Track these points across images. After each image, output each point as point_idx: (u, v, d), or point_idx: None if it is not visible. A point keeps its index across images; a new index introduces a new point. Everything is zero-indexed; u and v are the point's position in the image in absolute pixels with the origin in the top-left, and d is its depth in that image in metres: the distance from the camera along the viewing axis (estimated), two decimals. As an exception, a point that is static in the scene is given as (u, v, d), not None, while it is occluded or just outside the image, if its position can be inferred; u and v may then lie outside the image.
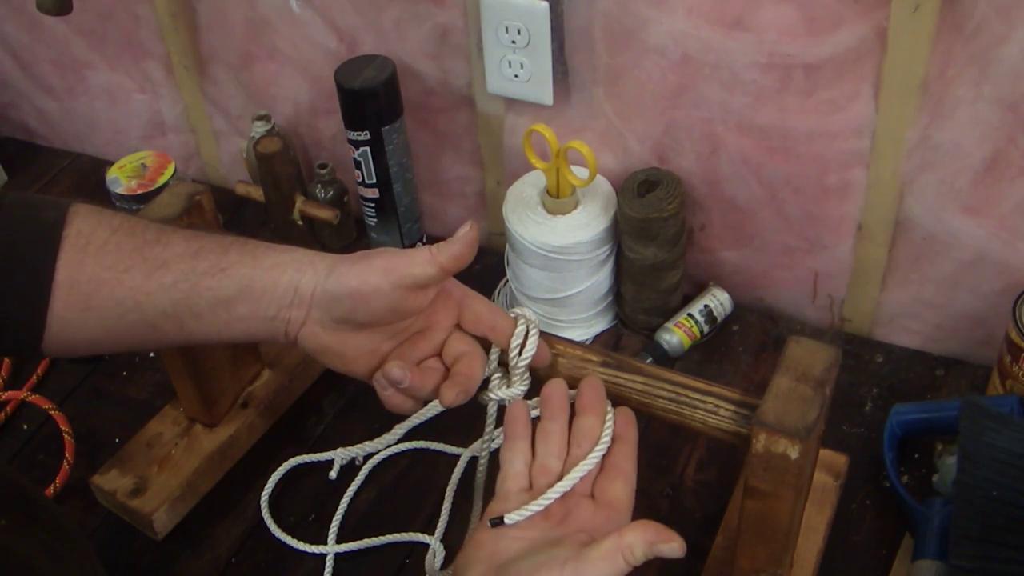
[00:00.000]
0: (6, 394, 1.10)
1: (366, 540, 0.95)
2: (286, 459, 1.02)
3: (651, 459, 0.99)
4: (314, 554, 0.95)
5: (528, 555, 0.66)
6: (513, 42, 1.02)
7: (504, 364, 0.75)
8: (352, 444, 1.02)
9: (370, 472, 1.01)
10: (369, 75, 1.09)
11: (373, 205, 1.18)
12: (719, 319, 1.10)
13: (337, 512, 0.97)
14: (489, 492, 0.75)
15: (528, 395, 0.77)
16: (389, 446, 1.02)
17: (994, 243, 0.96)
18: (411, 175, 1.18)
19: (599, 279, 1.08)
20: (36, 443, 1.07)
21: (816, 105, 0.94)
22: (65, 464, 1.03)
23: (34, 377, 1.13)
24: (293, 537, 0.95)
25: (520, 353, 0.73)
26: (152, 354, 1.14)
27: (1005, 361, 0.93)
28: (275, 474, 1.01)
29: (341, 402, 1.08)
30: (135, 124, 1.40)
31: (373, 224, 1.20)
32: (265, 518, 0.97)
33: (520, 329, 0.74)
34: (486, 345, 0.76)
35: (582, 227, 1.05)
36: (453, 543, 0.94)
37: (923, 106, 0.90)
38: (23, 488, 0.71)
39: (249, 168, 1.28)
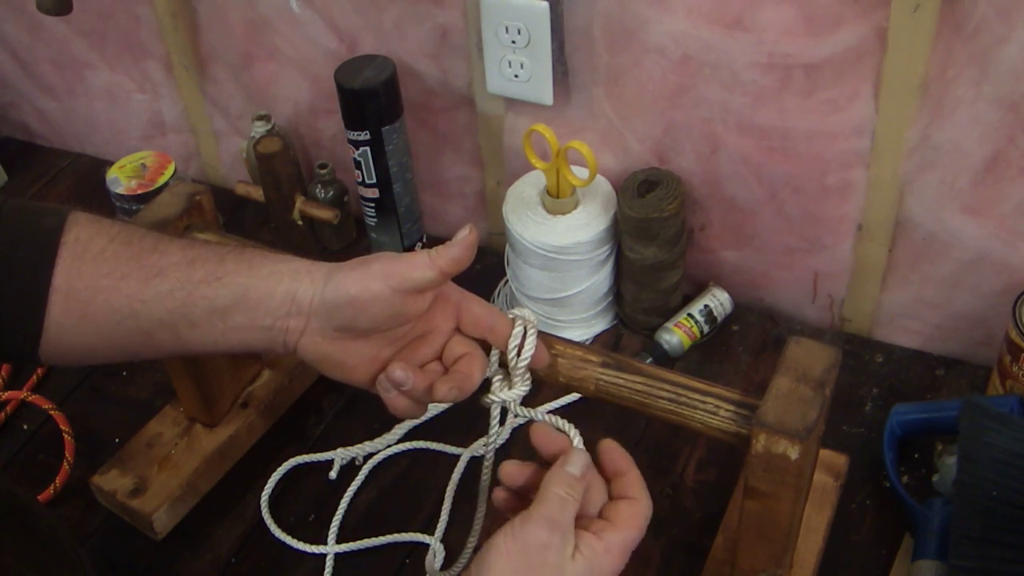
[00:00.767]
0: (6, 394, 1.10)
1: (366, 540, 0.95)
2: (286, 459, 1.02)
3: (651, 459, 0.99)
4: (314, 554, 0.95)
5: None
6: (513, 42, 1.02)
7: (505, 366, 0.75)
8: (352, 444, 1.02)
9: (370, 472, 1.01)
10: (369, 75, 1.09)
11: (373, 205, 1.18)
12: (719, 319, 1.10)
13: (337, 512, 0.97)
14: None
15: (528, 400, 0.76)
16: (389, 446, 1.03)
17: (994, 243, 0.96)
18: (411, 175, 1.18)
19: (599, 279, 1.08)
20: (36, 443, 1.07)
21: (816, 105, 0.94)
22: (65, 464, 1.03)
23: (34, 377, 1.13)
24: (293, 537, 0.95)
25: (519, 354, 0.73)
26: (152, 354, 1.14)
27: (1005, 361, 0.93)
28: (275, 474, 1.01)
29: (341, 402, 1.08)
30: (135, 124, 1.40)
31: (373, 224, 1.20)
32: (265, 518, 0.97)
33: (517, 330, 0.74)
34: (486, 348, 0.76)
35: (582, 227, 1.05)
36: (453, 543, 0.94)
37: (923, 106, 0.90)
38: (19, 500, 0.71)
39: (249, 168, 1.28)
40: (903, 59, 0.88)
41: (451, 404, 1.04)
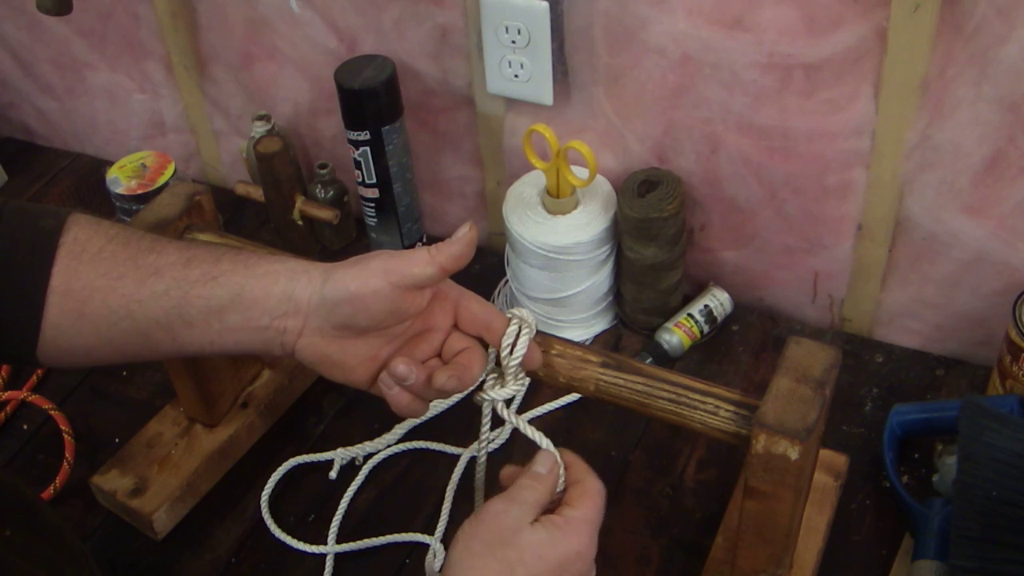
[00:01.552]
0: (6, 394, 1.11)
1: (366, 540, 0.95)
2: (286, 459, 1.02)
3: (651, 459, 0.99)
4: (314, 554, 0.95)
5: None
6: (513, 42, 1.02)
7: (500, 364, 0.75)
8: (352, 444, 1.02)
9: (370, 472, 1.01)
10: (369, 75, 1.09)
11: (373, 205, 1.18)
12: (719, 319, 1.10)
13: (337, 512, 0.97)
14: (489, 492, 0.75)
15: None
16: (389, 446, 1.03)
17: (994, 243, 0.96)
18: (411, 175, 1.18)
19: (599, 279, 1.08)
20: (36, 443, 1.07)
21: (816, 105, 0.94)
22: (65, 464, 1.03)
23: (34, 377, 1.13)
24: (293, 537, 0.95)
25: (511, 352, 0.73)
26: (152, 354, 1.14)
27: (1005, 361, 0.93)
28: (275, 474, 1.01)
29: (341, 402, 1.08)
30: (135, 124, 1.40)
31: (373, 224, 1.20)
32: (265, 518, 0.97)
33: (512, 329, 0.74)
34: (485, 346, 0.76)
35: (582, 227, 1.05)
36: (453, 543, 0.94)
37: (923, 106, 0.90)
38: (26, 497, 0.71)
39: (249, 168, 1.28)
40: (903, 59, 0.88)
41: (452, 404, 1.04)
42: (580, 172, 1.04)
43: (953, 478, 0.84)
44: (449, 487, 0.98)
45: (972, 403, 0.83)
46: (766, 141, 0.99)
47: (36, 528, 0.69)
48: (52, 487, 1.01)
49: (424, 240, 1.25)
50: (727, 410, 0.70)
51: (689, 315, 1.09)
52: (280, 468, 1.01)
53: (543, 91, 1.05)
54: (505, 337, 0.73)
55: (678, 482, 0.97)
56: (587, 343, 1.11)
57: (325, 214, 1.19)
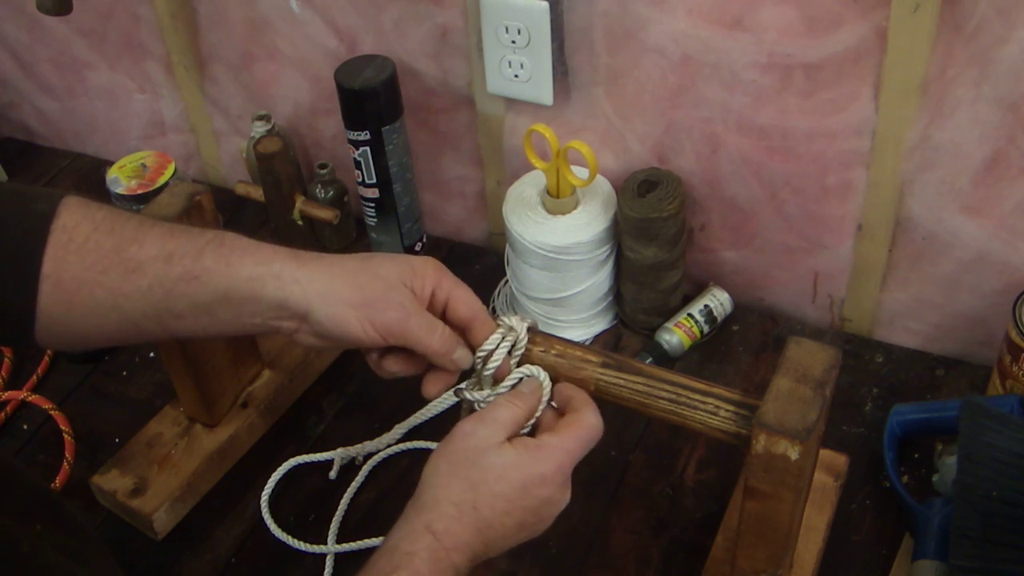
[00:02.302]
0: (6, 394, 1.10)
1: (366, 540, 0.95)
2: (286, 459, 1.02)
3: (651, 459, 0.99)
4: (314, 554, 0.95)
5: None
6: (513, 42, 1.02)
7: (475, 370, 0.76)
8: (352, 444, 1.02)
9: (370, 472, 1.01)
10: (369, 75, 1.09)
11: (373, 205, 1.18)
12: (719, 319, 1.10)
13: (337, 512, 0.97)
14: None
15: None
16: (389, 446, 1.03)
17: (994, 243, 0.96)
18: (411, 175, 1.18)
19: (599, 279, 1.08)
20: (36, 443, 1.07)
21: (816, 105, 0.94)
22: (65, 464, 1.03)
23: (34, 377, 1.13)
24: (293, 537, 0.95)
25: (484, 364, 0.75)
26: (152, 354, 1.14)
27: (1005, 361, 0.93)
28: (275, 474, 1.01)
29: (341, 402, 1.08)
30: (135, 124, 1.40)
31: (373, 224, 1.20)
32: (265, 518, 0.97)
33: (494, 337, 0.75)
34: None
35: (582, 227, 1.05)
36: (453, 543, 0.94)
37: (923, 106, 0.90)
38: (50, 494, 0.72)
39: (249, 168, 1.28)
40: (903, 59, 0.88)
41: (452, 403, 1.04)
42: (580, 172, 1.04)
43: (953, 478, 0.84)
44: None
45: (972, 403, 0.83)
46: (766, 141, 0.99)
47: (63, 522, 0.70)
48: (52, 487, 1.01)
49: (424, 240, 1.25)
50: (727, 410, 0.70)
51: (689, 315, 1.09)
52: (280, 468, 1.01)
53: (543, 91, 1.05)
54: (487, 343, 0.74)
55: (678, 482, 0.97)
56: (587, 343, 1.11)
57: (325, 214, 1.19)
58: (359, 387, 1.10)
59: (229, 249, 0.72)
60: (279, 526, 0.97)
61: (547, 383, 0.74)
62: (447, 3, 1.05)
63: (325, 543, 0.95)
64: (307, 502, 0.99)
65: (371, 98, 1.09)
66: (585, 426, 0.71)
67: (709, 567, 0.87)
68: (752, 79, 0.95)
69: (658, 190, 1.03)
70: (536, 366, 0.74)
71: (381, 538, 0.93)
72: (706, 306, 1.09)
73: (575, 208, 1.06)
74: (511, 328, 0.75)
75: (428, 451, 1.02)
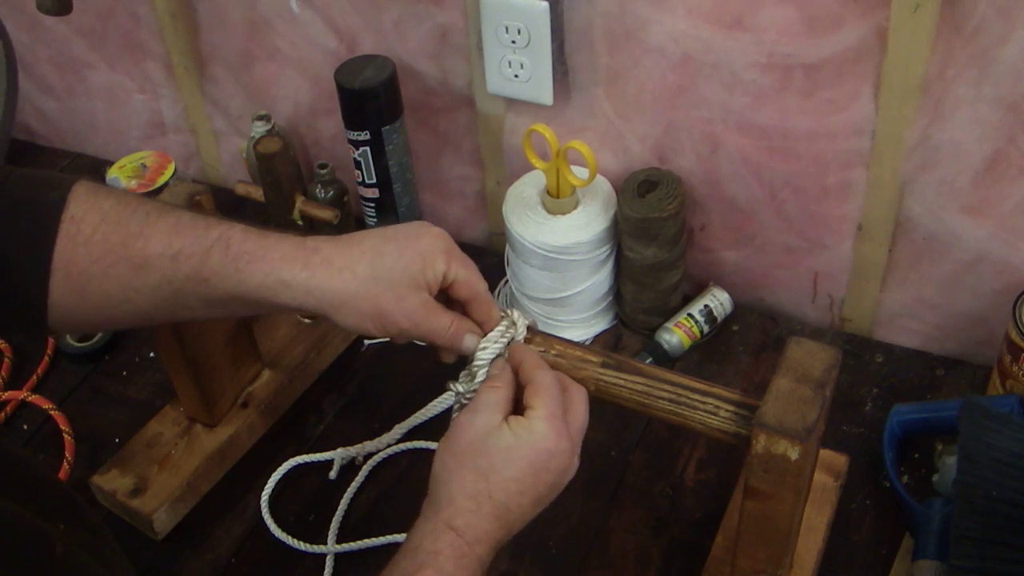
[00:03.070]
0: (6, 394, 1.10)
1: (366, 540, 0.94)
2: (286, 459, 1.02)
3: (651, 459, 0.99)
4: (314, 554, 0.95)
5: None
6: (513, 42, 1.02)
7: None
8: (352, 444, 1.02)
9: (370, 472, 1.01)
10: (369, 75, 1.09)
11: (373, 205, 1.18)
12: (719, 319, 1.10)
13: (337, 512, 0.97)
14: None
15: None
16: (389, 446, 1.02)
17: (994, 243, 0.96)
18: (411, 175, 1.18)
19: (599, 279, 1.08)
20: (36, 443, 1.07)
21: (816, 105, 0.94)
22: (65, 464, 1.03)
23: (34, 377, 1.13)
24: (293, 537, 0.95)
25: (475, 358, 0.75)
26: (152, 354, 1.14)
27: (1005, 361, 0.93)
28: (275, 474, 1.01)
29: (341, 402, 1.08)
30: (135, 124, 1.40)
31: (373, 224, 1.20)
32: (265, 518, 0.97)
33: (494, 334, 0.75)
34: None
35: (582, 227, 1.05)
36: (453, 543, 0.94)
37: (923, 106, 0.90)
38: (70, 493, 0.72)
39: (249, 168, 1.28)
40: (903, 59, 0.88)
41: (451, 403, 1.04)
42: (580, 172, 1.04)
43: (953, 478, 0.84)
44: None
45: (972, 403, 0.83)
46: (766, 141, 0.99)
47: (83, 521, 0.70)
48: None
49: (424, 240, 1.24)
50: (727, 410, 0.70)
51: (689, 315, 1.09)
52: (280, 468, 1.01)
53: (543, 91, 1.05)
54: (484, 340, 0.75)
55: (678, 482, 0.97)
56: (587, 343, 1.11)
57: (325, 214, 1.19)
58: (359, 387, 1.10)
59: (236, 252, 0.71)
60: (279, 526, 0.97)
61: (522, 332, 0.76)
62: (447, 3, 1.05)
63: (325, 543, 0.95)
64: (307, 502, 0.99)
65: (371, 98, 1.09)
66: (546, 386, 0.71)
67: (709, 567, 0.87)
68: (752, 79, 0.95)
69: (658, 190, 1.03)
70: (499, 345, 0.75)
71: (381, 538, 0.94)
72: (706, 306, 1.09)
73: (575, 208, 1.06)
74: (513, 323, 0.76)
75: (428, 451, 1.02)
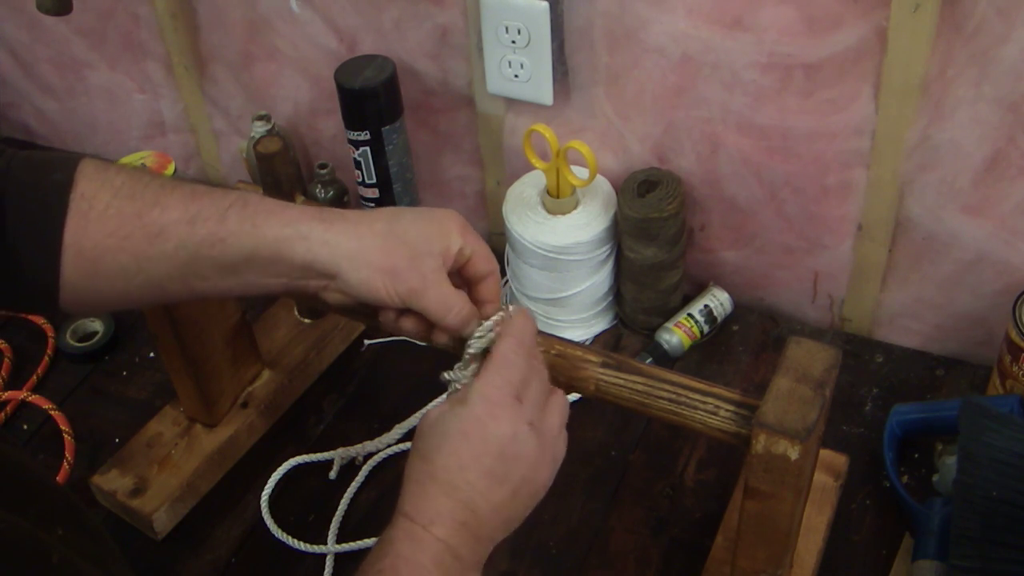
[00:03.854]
0: (6, 394, 1.11)
1: (366, 540, 0.95)
2: (286, 459, 1.02)
3: (651, 459, 0.99)
4: (314, 554, 0.95)
5: None
6: (513, 42, 1.02)
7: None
8: (352, 444, 1.02)
9: (370, 472, 1.01)
10: (369, 75, 1.09)
11: (373, 205, 1.18)
12: (719, 319, 1.10)
13: (337, 512, 0.97)
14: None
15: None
16: (389, 446, 1.03)
17: (994, 243, 0.96)
18: (411, 175, 1.18)
19: (599, 279, 1.08)
20: (36, 443, 1.07)
21: (816, 105, 0.94)
22: (65, 464, 1.03)
23: (34, 377, 1.13)
24: (293, 537, 0.95)
25: (467, 345, 0.74)
26: (152, 354, 1.14)
27: (1005, 361, 0.93)
28: (275, 474, 1.01)
29: (341, 402, 1.08)
30: (135, 124, 1.40)
31: (373, 224, 1.20)
32: (265, 518, 0.97)
33: (488, 324, 0.74)
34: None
35: (582, 227, 1.05)
36: (453, 543, 0.94)
37: (923, 106, 0.90)
38: (70, 498, 0.72)
39: (249, 168, 1.28)
40: (903, 59, 0.88)
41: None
42: (580, 172, 1.04)
43: (953, 478, 0.84)
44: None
45: (972, 403, 0.83)
46: (766, 141, 0.99)
47: (83, 526, 0.69)
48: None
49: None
50: (727, 410, 0.70)
51: (689, 315, 1.09)
52: (280, 468, 1.01)
53: (543, 91, 1.05)
54: (480, 329, 0.74)
55: (678, 482, 0.97)
56: (587, 343, 1.11)
57: (325, 214, 1.19)
58: (359, 387, 1.10)
59: (254, 210, 0.72)
60: (279, 526, 0.97)
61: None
62: (447, 3, 1.05)
63: (325, 543, 0.95)
64: (307, 502, 0.99)
65: (371, 98, 1.09)
66: (493, 363, 0.70)
67: (709, 567, 0.87)
68: (752, 79, 0.95)
69: (658, 190, 1.03)
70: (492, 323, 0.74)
71: (381, 538, 0.94)
72: (706, 306, 1.09)
73: (575, 208, 1.06)
74: (510, 316, 0.75)
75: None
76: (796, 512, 0.72)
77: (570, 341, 0.77)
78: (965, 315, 1.02)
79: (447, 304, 0.72)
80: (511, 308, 0.76)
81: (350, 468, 1.01)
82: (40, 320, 1.19)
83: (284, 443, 1.04)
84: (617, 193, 1.06)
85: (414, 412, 1.04)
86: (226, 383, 1.02)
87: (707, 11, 0.93)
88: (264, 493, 0.99)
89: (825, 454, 0.92)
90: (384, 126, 1.11)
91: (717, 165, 1.04)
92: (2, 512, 0.57)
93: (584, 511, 0.95)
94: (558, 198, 1.05)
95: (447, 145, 1.19)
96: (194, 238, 0.71)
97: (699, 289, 1.13)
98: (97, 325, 1.17)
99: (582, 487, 0.97)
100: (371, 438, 1.03)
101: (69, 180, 0.71)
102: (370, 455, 1.02)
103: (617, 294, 1.12)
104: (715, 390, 0.71)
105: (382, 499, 0.99)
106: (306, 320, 1.12)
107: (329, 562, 0.93)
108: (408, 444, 1.02)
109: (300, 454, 1.02)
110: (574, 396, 1.03)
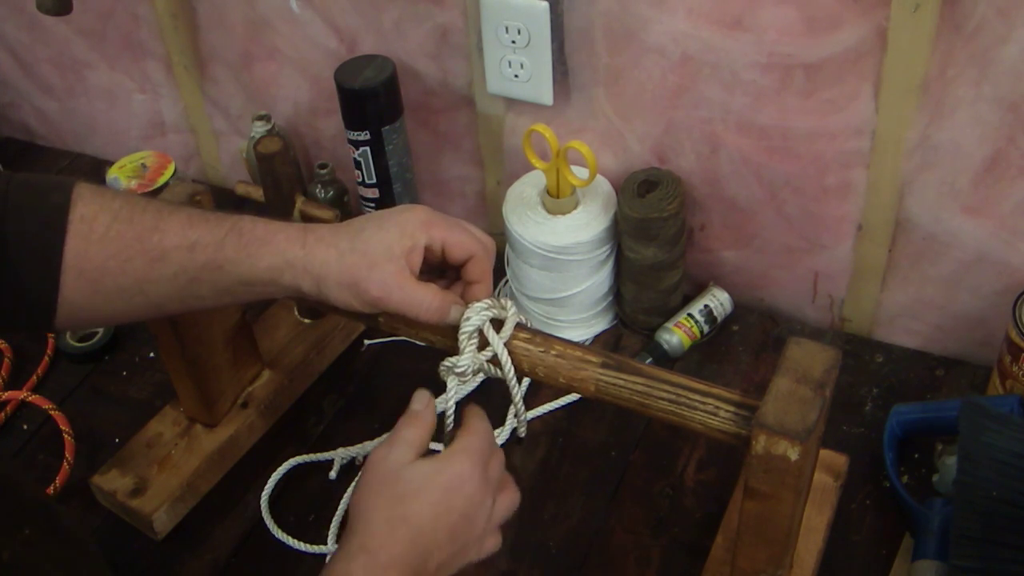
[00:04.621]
0: (6, 394, 1.11)
1: (366, 540, 0.94)
2: (286, 459, 1.02)
3: (651, 459, 0.99)
4: (314, 554, 0.95)
5: None
6: (513, 42, 1.02)
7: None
8: (352, 444, 1.02)
9: (370, 472, 1.01)
10: (369, 75, 1.09)
11: (373, 205, 1.18)
12: (719, 319, 1.10)
13: (337, 512, 0.97)
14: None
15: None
16: (389, 446, 1.02)
17: (994, 243, 0.96)
18: (411, 175, 1.18)
19: (599, 279, 1.08)
20: (36, 443, 1.07)
21: (816, 105, 0.94)
22: (65, 464, 1.03)
23: (34, 377, 1.13)
24: (293, 537, 0.95)
25: (459, 329, 0.76)
26: (152, 354, 1.14)
27: (1005, 361, 0.93)
28: (275, 474, 1.01)
29: (341, 402, 1.08)
30: (135, 124, 1.40)
31: (373, 224, 1.20)
32: (265, 518, 0.97)
33: (478, 306, 0.75)
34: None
35: (582, 227, 1.05)
36: (453, 543, 0.94)
37: (923, 106, 0.90)
38: (43, 501, 0.72)
39: (249, 168, 1.28)
40: (903, 59, 0.88)
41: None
42: (580, 172, 1.04)
43: (953, 478, 0.84)
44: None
45: (972, 403, 0.83)
46: (766, 141, 0.99)
47: (53, 528, 0.70)
48: (52, 487, 1.01)
49: (424, 240, 1.24)
50: (727, 411, 0.70)
51: (689, 315, 1.09)
52: (280, 468, 1.01)
53: (543, 91, 1.05)
54: (468, 310, 0.76)
55: (678, 482, 0.97)
56: (587, 343, 1.11)
57: (325, 214, 1.19)
58: (359, 387, 1.10)
59: (248, 239, 0.75)
60: (279, 526, 0.97)
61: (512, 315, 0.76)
62: (447, 3, 1.05)
63: (325, 543, 0.95)
64: (307, 502, 0.99)
65: (371, 98, 1.09)
66: (475, 428, 0.74)
67: (709, 567, 0.87)
68: (752, 79, 0.95)
69: (658, 190, 1.03)
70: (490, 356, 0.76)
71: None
72: (706, 306, 1.09)
73: (575, 208, 1.06)
74: (502, 308, 0.77)
75: (428, 451, 1.02)
76: (796, 512, 0.72)
77: (570, 341, 0.77)
78: (965, 315, 1.02)
79: (413, 303, 0.74)
80: (504, 302, 0.77)
81: (350, 468, 1.01)
82: (40, 320, 1.19)
83: (284, 443, 1.04)
84: (617, 193, 1.06)
85: (414, 412, 1.04)
86: (226, 383, 1.02)
87: (707, 11, 0.93)
88: (264, 493, 0.99)
89: (825, 454, 0.92)
90: (384, 126, 1.11)
91: (717, 165, 1.04)
92: None
93: (584, 511, 0.95)
94: (558, 198, 1.05)
95: (447, 145, 1.19)
96: (194, 264, 0.74)
97: (699, 289, 1.13)
98: (97, 325, 1.17)
99: (582, 487, 0.97)
100: (371, 438, 1.03)
101: (67, 202, 0.73)
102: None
103: (617, 294, 1.12)
104: (715, 391, 0.71)
105: (382, 499, 0.99)
106: (306, 320, 1.12)
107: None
108: (408, 444, 1.02)
109: (300, 454, 1.02)
110: (574, 396, 1.03)
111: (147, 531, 0.97)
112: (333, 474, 1.01)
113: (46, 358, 1.14)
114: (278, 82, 1.24)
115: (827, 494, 0.90)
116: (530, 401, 1.05)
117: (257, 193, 1.23)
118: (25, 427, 1.09)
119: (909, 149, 0.93)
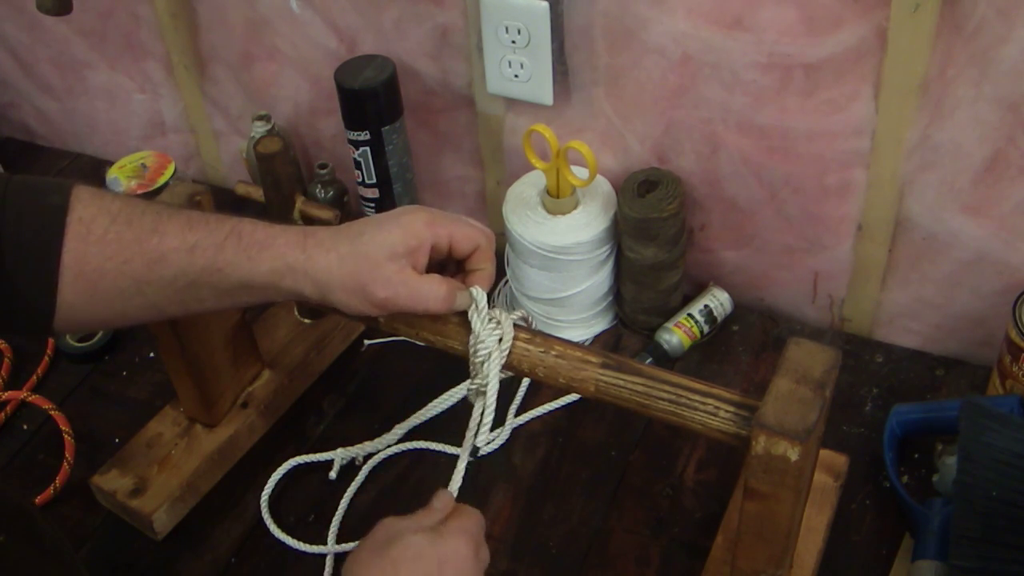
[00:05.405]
0: (6, 394, 1.11)
1: (366, 540, 0.95)
2: (286, 459, 1.02)
3: (651, 459, 0.99)
4: (314, 554, 0.95)
5: None
6: (513, 42, 1.02)
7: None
8: (352, 444, 1.02)
9: (370, 472, 1.01)
10: (369, 75, 1.09)
11: (373, 205, 1.18)
12: (719, 319, 1.10)
13: (337, 512, 0.97)
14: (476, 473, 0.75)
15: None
16: (389, 446, 1.03)
17: (994, 243, 0.96)
18: (411, 175, 1.18)
19: (599, 279, 1.08)
20: (36, 443, 1.07)
21: (816, 105, 0.94)
22: (65, 464, 1.03)
23: (34, 377, 1.13)
24: (293, 537, 0.95)
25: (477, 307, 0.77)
26: (152, 354, 1.14)
27: (1005, 361, 0.93)
28: (275, 474, 1.01)
29: (341, 402, 1.08)
30: (135, 124, 1.40)
31: (373, 224, 1.20)
32: (265, 518, 0.97)
33: (475, 292, 0.77)
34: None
35: (582, 227, 1.05)
36: (453, 543, 0.94)
37: (923, 106, 0.90)
38: (25, 509, 0.72)
39: (249, 168, 1.28)
40: (903, 59, 0.88)
41: (451, 403, 1.04)
42: (580, 172, 1.04)
43: (953, 478, 0.84)
44: (449, 487, 0.98)
45: (972, 403, 0.83)
46: (766, 141, 0.99)
47: (31, 536, 0.70)
48: (52, 487, 1.01)
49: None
50: (727, 411, 0.70)
51: (689, 315, 1.09)
52: (280, 468, 1.01)
53: (543, 91, 1.05)
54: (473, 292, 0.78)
55: (678, 482, 0.97)
56: (587, 343, 1.11)
57: (325, 214, 1.19)
58: (359, 387, 1.10)
59: (248, 242, 0.75)
60: (279, 526, 0.97)
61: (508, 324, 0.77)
62: (447, 3, 1.05)
63: (325, 543, 0.95)
64: (307, 502, 0.99)
65: (371, 98, 1.09)
66: (470, 512, 0.76)
67: (709, 567, 0.87)
68: (752, 79, 0.95)
69: (658, 190, 1.03)
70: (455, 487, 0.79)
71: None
72: (706, 306, 1.09)
73: (575, 208, 1.06)
74: (495, 316, 0.78)
75: (428, 451, 1.02)
76: (796, 512, 0.72)
77: (570, 341, 0.77)
78: (965, 315, 1.02)
79: (421, 296, 0.75)
80: (475, 290, 0.78)
81: (350, 468, 1.01)
82: (40, 320, 1.19)
83: (284, 443, 1.04)
84: (617, 193, 1.06)
85: (414, 412, 1.04)
86: (226, 383, 1.02)
87: (707, 11, 0.93)
88: (264, 493, 0.99)
89: (825, 454, 0.92)
90: (384, 126, 1.11)
91: (717, 165, 1.04)
92: None
93: (584, 511, 0.95)
94: (558, 198, 1.05)
95: (447, 145, 1.19)
96: (194, 267, 0.74)
97: (699, 289, 1.13)
98: (97, 325, 1.17)
99: (582, 487, 0.97)
100: (371, 438, 1.03)
101: (65, 204, 0.73)
102: (370, 455, 1.02)
103: (617, 294, 1.12)
104: (715, 391, 0.71)
105: (382, 499, 0.99)
106: (306, 320, 1.12)
107: (329, 562, 0.94)
108: (409, 444, 1.03)
109: (300, 454, 1.02)
110: (574, 396, 1.03)
111: (147, 531, 0.97)
112: (333, 474, 1.01)
113: (46, 358, 1.14)
114: (278, 82, 1.24)
115: (827, 494, 0.90)
116: (530, 401, 1.05)
117: (257, 193, 1.23)
118: (25, 427, 1.09)
119: (909, 149, 0.93)
